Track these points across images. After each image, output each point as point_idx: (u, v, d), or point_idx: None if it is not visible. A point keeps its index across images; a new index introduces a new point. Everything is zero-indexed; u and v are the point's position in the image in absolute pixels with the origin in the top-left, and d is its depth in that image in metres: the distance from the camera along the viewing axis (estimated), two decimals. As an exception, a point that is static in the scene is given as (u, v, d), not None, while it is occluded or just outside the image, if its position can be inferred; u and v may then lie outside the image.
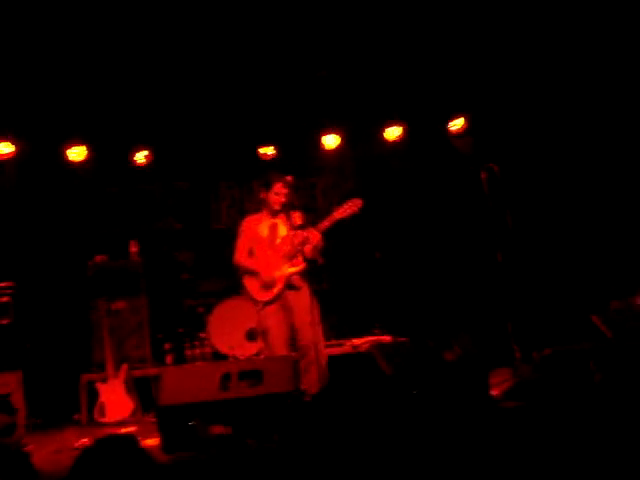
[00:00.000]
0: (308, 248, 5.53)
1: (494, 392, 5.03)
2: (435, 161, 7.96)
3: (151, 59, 6.77)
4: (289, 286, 5.54)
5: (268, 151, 7.67)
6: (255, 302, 5.62)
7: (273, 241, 5.64)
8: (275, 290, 5.53)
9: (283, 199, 5.57)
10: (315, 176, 8.35)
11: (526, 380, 5.14)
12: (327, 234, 5.58)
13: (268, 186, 5.63)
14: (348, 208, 5.47)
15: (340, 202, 5.64)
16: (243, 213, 7.89)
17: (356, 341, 6.92)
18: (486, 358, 5.43)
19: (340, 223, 5.49)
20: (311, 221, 5.69)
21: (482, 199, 6.01)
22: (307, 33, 6.84)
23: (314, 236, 5.46)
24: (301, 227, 5.61)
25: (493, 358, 5.68)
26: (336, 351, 6.84)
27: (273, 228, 5.67)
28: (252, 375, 4.74)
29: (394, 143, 7.87)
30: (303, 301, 5.47)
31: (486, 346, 5.85)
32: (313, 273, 5.74)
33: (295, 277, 5.56)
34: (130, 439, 2.63)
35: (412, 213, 8.01)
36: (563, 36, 6.79)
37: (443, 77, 7.39)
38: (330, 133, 7.83)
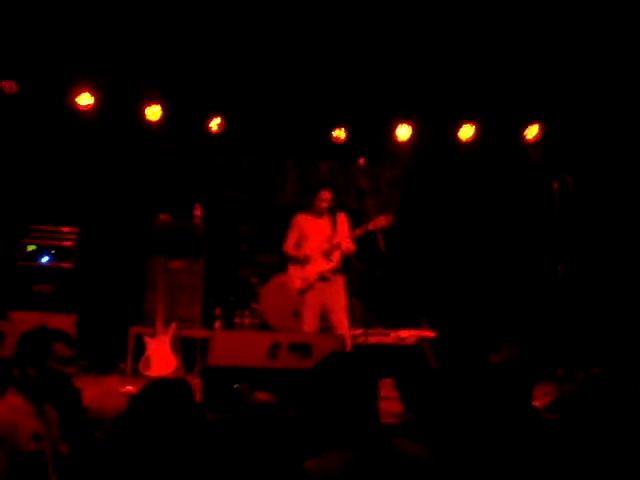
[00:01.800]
0: (339, 251, 6.19)
1: (536, 403, 5.00)
2: (507, 165, 7.89)
3: (237, 34, 6.91)
4: (322, 278, 6.18)
5: (341, 135, 7.69)
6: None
7: (315, 238, 6.21)
8: (308, 281, 6.18)
9: (326, 205, 6.22)
10: (382, 166, 8.35)
11: (570, 396, 5.08)
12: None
13: (314, 191, 6.31)
14: (380, 221, 6.01)
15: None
16: (308, 191, 8.00)
17: (402, 333, 6.93)
18: (531, 368, 5.40)
19: (372, 233, 6.06)
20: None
21: (551, 209, 5.96)
22: (396, 23, 6.87)
23: (345, 243, 6.13)
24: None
25: (538, 370, 5.63)
26: (381, 340, 6.88)
27: (317, 227, 6.28)
28: (301, 348, 4.82)
29: (466, 143, 7.82)
30: (335, 289, 6.21)
31: (533, 357, 5.81)
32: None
33: (327, 272, 6.18)
34: (184, 384, 2.65)
35: (478, 214, 7.96)
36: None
37: (524, 82, 7.32)
38: (404, 124, 7.81)
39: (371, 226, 6.00)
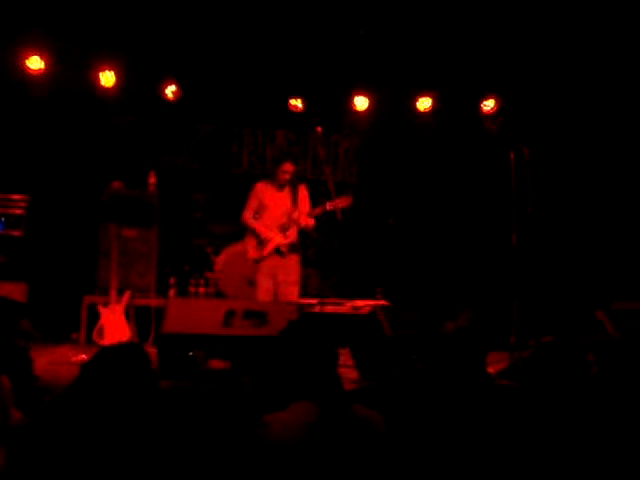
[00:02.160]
0: (296, 227, 6.23)
1: (490, 370, 5.07)
2: (464, 136, 7.93)
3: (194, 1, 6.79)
4: (278, 251, 6.20)
5: (299, 103, 7.64)
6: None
7: (274, 211, 6.22)
8: (264, 253, 6.20)
9: (287, 177, 6.22)
10: (340, 135, 8.32)
11: (522, 363, 5.17)
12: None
13: (277, 163, 6.34)
14: (339, 203, 6.03)
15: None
16: (264, 160, 7.96)
17: (358, 302, 6.95)
18: (485, 335, 5.47)
19: (330, 213, 6.09)
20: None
21: (507, 180, 6.02)
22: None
23: (304, 220, 6.19)
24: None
25: (492, 338, 5.71)
26: (336, 309, 6.88)
27: (277, 199, 6.26)
28: (257, 315, 4.80)
29: (424, 114, 7.84)
30: (289, 265, 6.24)
31: (486, 325, 5.89)
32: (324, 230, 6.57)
33: (283, 246, 6.21)
34: (138, 346, 2.61)
35: (433, 185, 8.01)
36: (603, 21, 6.74)
37: (482, 54, 7.36)
38: (362, 95, 7.78)
39: (329, 207, 6.04)
